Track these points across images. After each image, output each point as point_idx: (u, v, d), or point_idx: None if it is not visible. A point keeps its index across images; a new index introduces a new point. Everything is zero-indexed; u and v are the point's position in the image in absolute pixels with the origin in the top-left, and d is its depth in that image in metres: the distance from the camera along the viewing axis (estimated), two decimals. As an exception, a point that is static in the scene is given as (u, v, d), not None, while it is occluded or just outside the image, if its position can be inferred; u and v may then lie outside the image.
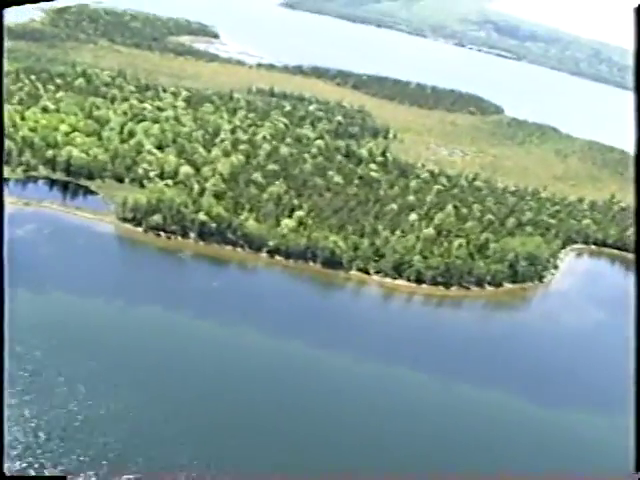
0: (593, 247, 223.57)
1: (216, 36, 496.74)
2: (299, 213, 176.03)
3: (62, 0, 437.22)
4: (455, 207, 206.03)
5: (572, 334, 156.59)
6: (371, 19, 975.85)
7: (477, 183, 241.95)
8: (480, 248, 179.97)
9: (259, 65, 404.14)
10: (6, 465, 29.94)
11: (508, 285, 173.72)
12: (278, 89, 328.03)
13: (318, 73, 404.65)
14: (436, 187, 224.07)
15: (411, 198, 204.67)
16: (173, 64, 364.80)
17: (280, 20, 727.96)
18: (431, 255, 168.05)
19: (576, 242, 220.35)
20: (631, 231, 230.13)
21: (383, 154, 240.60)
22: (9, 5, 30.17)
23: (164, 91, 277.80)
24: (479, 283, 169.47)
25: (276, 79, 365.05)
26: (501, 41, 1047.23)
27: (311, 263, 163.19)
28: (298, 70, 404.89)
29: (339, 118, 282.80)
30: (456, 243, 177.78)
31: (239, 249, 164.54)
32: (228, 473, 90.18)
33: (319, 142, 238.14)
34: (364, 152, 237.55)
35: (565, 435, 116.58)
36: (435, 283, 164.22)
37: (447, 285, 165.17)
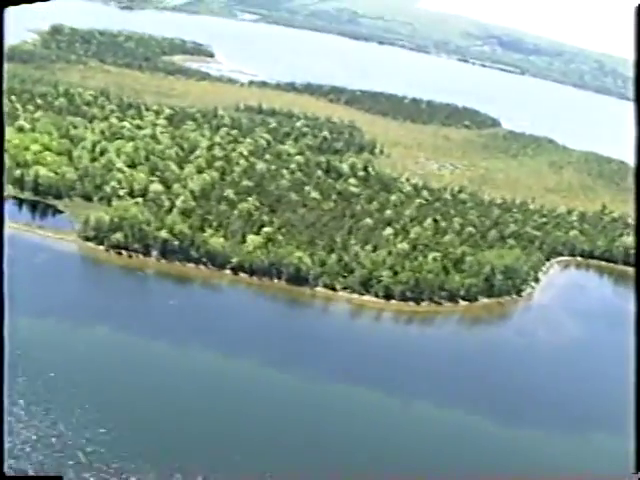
0: (580, 259, 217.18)
1: (211, 55, 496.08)
2: (267, 229, 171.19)
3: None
4: (435, 220, 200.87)
5: (548, 350, 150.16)
6: (373, 36, 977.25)
7: (462, 196, 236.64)
8: (456, 262, 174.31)
9: (251, 83, 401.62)
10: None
11: (484, 300, 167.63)
12: (268, 106, 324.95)
13: (311, 90, 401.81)
14: (418, 201, 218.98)
15: (389, 212, 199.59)
16: (162, 83, 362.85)
17: (279, 39, 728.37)
18: (402, 270, 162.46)
19: (562, 254, 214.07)
20: (620, 242, 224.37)
21: (365, 169, 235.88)
22: (9, 5, 30.00)
23: (147, 109, 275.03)
24: (452, 298, 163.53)
25: (267, 96, 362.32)
26: (505, 55, 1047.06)
27: (276, 280, 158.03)
28: (291, 87, 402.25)
29: (325, 133, 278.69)
30: (430, 257, 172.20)
31: (202, 267, 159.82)
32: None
33: (299, 158, 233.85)
34: (345, 167, 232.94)
35: (528, 455, 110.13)
36: (404, 299, 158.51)
37: (417, 301, 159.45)
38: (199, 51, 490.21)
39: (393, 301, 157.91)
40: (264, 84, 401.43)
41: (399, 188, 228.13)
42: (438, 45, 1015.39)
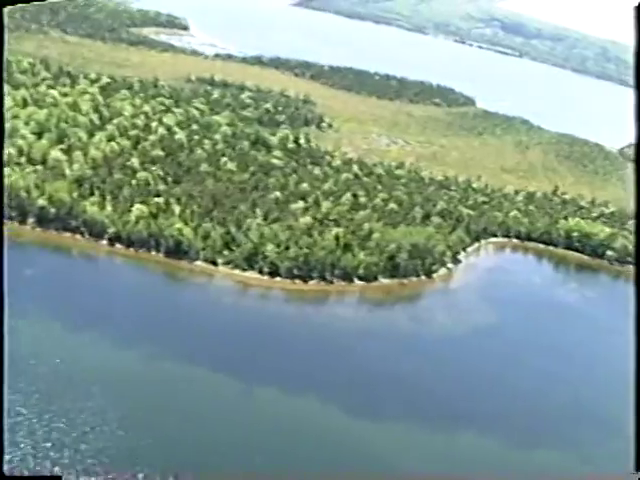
0: (516, 241, 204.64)
1: (185, 28, 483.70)
2: (157, 200, 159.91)
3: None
4: (354, 195, 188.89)
5: (442, 340, 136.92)
6: (371, 16, 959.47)
7: (398, 172, 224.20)
8: (362, 239, 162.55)
9: (217, 56, 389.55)
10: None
11: (384, 280, 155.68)
12: (223, 78, 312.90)
13: (277, 64, 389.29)
14: (345, 175, 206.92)
15: (304, 186, 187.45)
16: (119, 54, 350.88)
17: (267, 15, 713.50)
18: (294, 245, 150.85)
19: (496, 235, 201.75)
20: (561, 224, 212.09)
21: (296, 141, 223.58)
22: (9, 4, 31.60)
23: (85, 78, 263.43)
24: (346, 277, 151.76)
25: (229, 69, 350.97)
26: (507, 39, 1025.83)
27: (154, 252, 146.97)
28: (257, 61, 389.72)
29: (268, 106, 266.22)
30: (333, 233, 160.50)
31: (79, 236, 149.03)
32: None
33: (226, 129, 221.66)
34: (274, 139, 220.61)
35: (361, 448, 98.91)
36: (291, 276, 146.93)
37: (305, 279, 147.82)
38: (173, 24, 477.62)
39: (278, 278, 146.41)
40: (229, 57, 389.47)
41: (328, 162, 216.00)
42: (438, 26, 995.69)
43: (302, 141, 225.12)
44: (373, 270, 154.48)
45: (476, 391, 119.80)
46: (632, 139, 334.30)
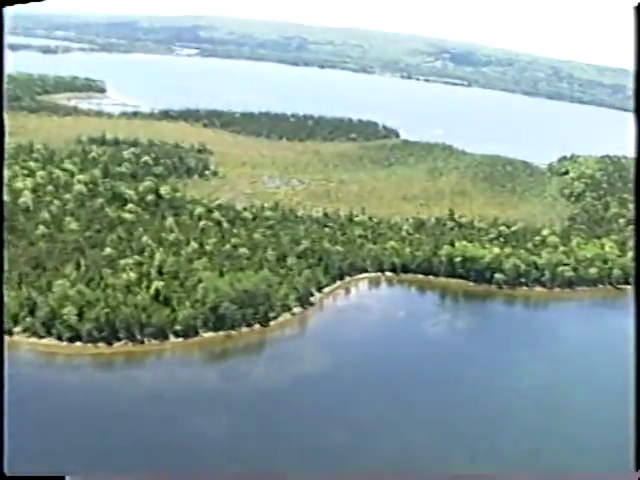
0: (390, 274, 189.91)
1: (102, 91, 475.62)
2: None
3: None
4: (200, 244, 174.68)
5: (252, 396, 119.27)
6: (319, 61, 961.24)
7: (268, 214, 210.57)
8: (189, 291, 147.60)
9: (123, 114, 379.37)
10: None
11: (206, 334, 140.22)
12: (121, 136, 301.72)
13: (185, 116, 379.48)
14: (204, 222, 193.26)
15: (144, 239, 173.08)
16: (17, 122, 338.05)
17: (198, 70, 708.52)
18: (99, 306, 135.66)
19: (366, 270, 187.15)
20: (445, 250, 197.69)
21: (156, 192, 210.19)
22: (9, 4, 35.67)
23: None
24: (160, 334, 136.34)
25: (134, 126, 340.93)
26: (457, 69, 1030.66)
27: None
28: (165, 115, 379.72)
29: (146, 159, 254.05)
30: (154, 287, 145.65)
31: None
32: None
33: (80, 187, 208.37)
34: (133, 193, 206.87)
35: None
36: (93, 340, 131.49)
37: (110, 341, 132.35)
38: (89, 87, 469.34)
39: (79, 343, 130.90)
40: (135, 114, 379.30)
41: (190, 211, 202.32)
42: (387, 65, 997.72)
43: (164, 192, 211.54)
44: (192, 324, 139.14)
45: (279, 447, 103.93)
46: (565, 153, 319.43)
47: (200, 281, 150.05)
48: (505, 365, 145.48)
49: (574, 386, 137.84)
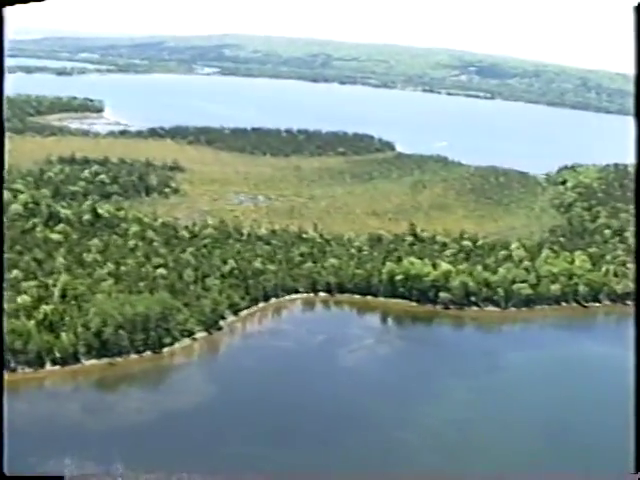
0: (323, 295, 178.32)
1: (100, 110, 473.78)
2: None
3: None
4: (117, 263, 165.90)
5: (109, 432, 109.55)
6: (341, 77, 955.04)
7: (208, 232, 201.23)
8: (83, 315, 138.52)
9: (110, 133, 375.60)
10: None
11: (87, 362, 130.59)
12: (92, 156, 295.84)
13: (173, 133, 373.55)
14: (133, 242, 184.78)
15: (60, 260, 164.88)
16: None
17: (210, 88, 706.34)
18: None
19: (298, 291, 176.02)
20: (387, 267, 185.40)
21: (93, 211, 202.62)
22: (9, 4, 33.32)
23: None
24: (36, 363, 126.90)
25: (117, 145, 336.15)
26: (483, 82, 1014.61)
27: None
28: (152, 133, 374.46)
29: (102, 177, 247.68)
30: (42, 311, 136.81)
31: None
32: None
33: (16, 207, 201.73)
34: (68, 212, 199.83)
35: None
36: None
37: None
38: (86, 107, 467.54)
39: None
40: (123, 133, 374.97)
41: (125, 230, 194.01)
42: (410, 79, 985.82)
43: (102, 211, 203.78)
44: (72, 351, 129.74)
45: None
46: (575, 162, 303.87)
47: (94, 305, 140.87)
48: (420, 398, 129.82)
49: (492, 424, 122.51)
